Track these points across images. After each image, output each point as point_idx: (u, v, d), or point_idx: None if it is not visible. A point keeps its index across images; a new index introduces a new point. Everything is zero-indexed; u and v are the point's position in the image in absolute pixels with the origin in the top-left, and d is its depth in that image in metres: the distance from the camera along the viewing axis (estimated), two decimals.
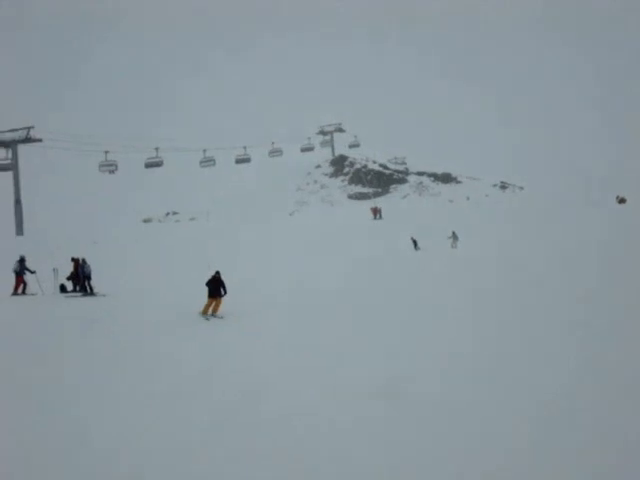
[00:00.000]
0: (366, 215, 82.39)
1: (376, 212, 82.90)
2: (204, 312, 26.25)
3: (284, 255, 48.67)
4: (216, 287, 26.35)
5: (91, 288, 35.28)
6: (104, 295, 34.39)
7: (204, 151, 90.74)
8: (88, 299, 33.89)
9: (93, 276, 35.50)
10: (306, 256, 47.79)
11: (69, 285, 35.87)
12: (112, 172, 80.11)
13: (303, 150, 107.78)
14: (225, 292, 26.62)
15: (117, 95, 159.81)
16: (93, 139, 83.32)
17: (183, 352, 21.13)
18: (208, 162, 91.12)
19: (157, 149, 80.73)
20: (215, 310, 26.38)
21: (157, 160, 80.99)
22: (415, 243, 53.63)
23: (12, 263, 35.83)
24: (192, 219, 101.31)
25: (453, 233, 54.32)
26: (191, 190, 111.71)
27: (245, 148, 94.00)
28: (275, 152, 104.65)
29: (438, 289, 30.45)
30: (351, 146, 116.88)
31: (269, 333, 23.26)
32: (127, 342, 22.63)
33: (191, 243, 58.80)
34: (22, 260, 35.52)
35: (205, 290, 26.73)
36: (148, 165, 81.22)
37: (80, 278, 35.42)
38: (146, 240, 63.51)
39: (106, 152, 78.82)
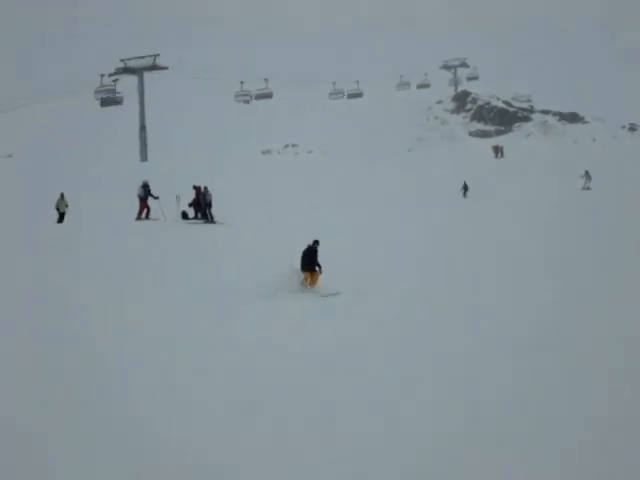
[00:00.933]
0: (487, 153, 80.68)
1: (498, 150, 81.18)
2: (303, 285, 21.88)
3: (400, 200, 47.39)
4: (311, 260, 21.91)
5: (212, 216, 35.77)
6: (223, 223, 34.80)
7: (333, 83, 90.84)
8: (208, 227, 34.41)
9: (214, 204, 35.97)
10: (423, 200, 46.47)
11: (190, 212, 36.42)
12: (247, 102, 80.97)
13: (419, 87, 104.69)
14: (319, 268, 21.86)
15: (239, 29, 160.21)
16: (213, 71, 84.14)
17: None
18: (337, 94, 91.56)
19: (266, 80, 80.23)
20: (312, 283, 21.91)
21: (267, 92, 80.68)
22: (466, 189, 50.49)
23: (136, 188, 36.56)
24: (310, 152, 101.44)
25: (586, 172, 51.27)
26: (312, 123, 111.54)
27: (358, 82, 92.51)
28: (403, 85, 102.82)
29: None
30: (469, 78, 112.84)
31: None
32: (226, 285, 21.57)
33: (307, 177, 58.78)
34: (145, 185, 36.12)
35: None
36: (258, 97, 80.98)
37: (201, 205, 35.94)
38: (265, 171, 63.94)
39: (241, 82, 79.60)
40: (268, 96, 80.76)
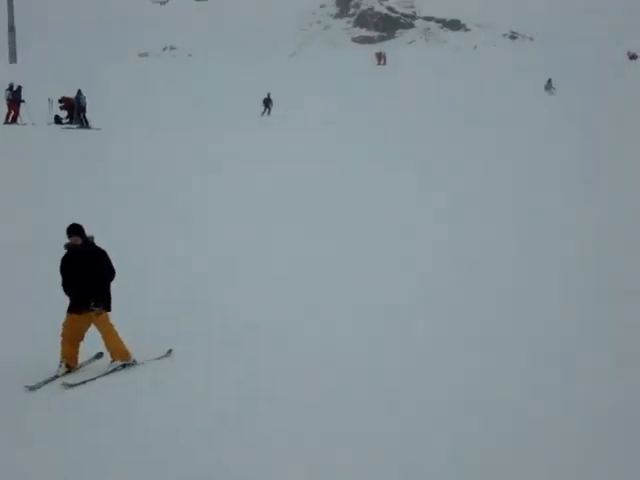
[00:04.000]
0: (370, 60, 79.58)
1: (381, 58, 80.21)
2: None
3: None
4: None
5: (86, 121, 34.04)
6: (99, 129, 33.08)
7: None
8: (83, 132, 32.68)
9: (88, 109, 34.18)
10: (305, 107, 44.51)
11: (63, 116, 34.70)
12: None
13: None
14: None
15: None
16: None
17: None
18: None
19: None
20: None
21: None
22: (267, 103, 39.82)
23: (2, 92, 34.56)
24: (190, 55, 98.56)
25: (549, 81, 47.34)
26: (189, 24, 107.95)
27: None
28: None
29: None
30: None
31: None
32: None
33: (187, 82, 56.26)
34: (11, 88, 34.23)
35: None
36: None
37: (75, 109, 34.15)
38: (140, 76, 61.09)
39: None
40: None
